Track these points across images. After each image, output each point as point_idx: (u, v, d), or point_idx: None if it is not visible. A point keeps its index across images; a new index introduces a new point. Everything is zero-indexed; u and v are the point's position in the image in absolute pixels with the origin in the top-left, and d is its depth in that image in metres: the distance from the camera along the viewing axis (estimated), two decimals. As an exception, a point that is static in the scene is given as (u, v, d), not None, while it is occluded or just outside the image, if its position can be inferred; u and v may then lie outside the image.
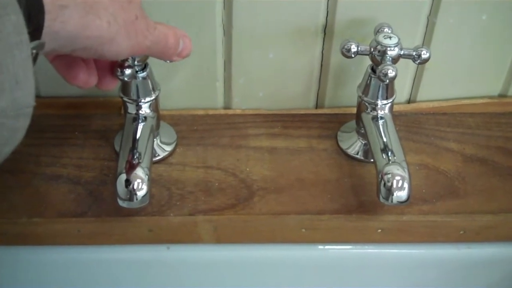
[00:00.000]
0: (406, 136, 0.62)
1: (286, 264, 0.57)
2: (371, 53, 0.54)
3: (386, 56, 0.53)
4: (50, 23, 0.35)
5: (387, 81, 0.52)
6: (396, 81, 0.58)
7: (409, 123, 0.64)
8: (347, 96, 0.64)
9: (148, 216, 0.53)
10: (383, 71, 0.52)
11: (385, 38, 0.54)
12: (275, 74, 0.62)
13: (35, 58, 0.36)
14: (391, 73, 0.52)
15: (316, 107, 0.66)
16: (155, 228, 0.53)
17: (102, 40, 0.39)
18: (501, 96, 0.67)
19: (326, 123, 0.64)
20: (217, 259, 0.56)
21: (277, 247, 0.56)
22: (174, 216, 0.53)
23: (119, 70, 0.49)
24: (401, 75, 0.62)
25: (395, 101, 0.64)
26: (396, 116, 0.64)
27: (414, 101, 0.66)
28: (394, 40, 0.53)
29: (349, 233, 0.55)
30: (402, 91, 0.65)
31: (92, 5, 0.37)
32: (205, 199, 0.54)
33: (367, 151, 0.59)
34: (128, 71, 0.50)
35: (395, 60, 0.54)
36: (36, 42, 0.34)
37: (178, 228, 0.54)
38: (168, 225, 0.53)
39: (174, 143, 0.60)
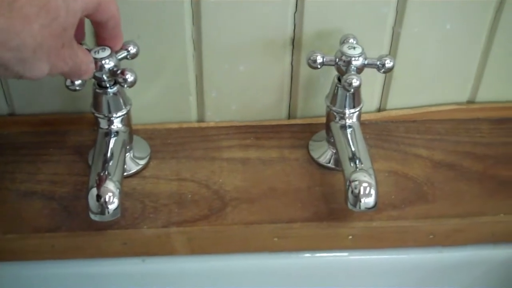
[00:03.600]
0: (376, 144, 0.64)
1: (259, 273, 0.58)
2: (336, 63, 0.55)
3: (351, 66, 0.54)
4: None
5: (352, 90, 0.54)
6: (365, 90, 0.59)
7: (379, 131, 0.66)
8: (318, 106, 0.65)
9: (121, 229, 0.53)
10: (347, 80, 0.53)
11: (349, 49, 0.55)
12: (246, 87, 0.64)
13: None
14: (355, 83, 0.53)
15: (289, 117, 0.67)
16: (129, 241, 0.54)
17: (17, 62, 0.39)
18: (469, 102, 0.68)
19: (298, 133, 0.65)
20: (192, 270, 0.57)
21: (251, 256, 0.57)
22: (147, 229, 0.54)
23: (69, 81, 0.52)
24: (369, 84, 0.64)
25: (365, 109, 0.65)
26: (366, 124, 0.66)
27: (384, 109, 0.67)
28: (358, 50, 0.55)
29: (321, 241, 0.56)
30: (371, 99, 0.66)
31: (18, 32, 0.37)
32: (178, 211, 0.55)
33: (338, 159, 0.60)
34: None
35: (359, 69, 0.55)
36: None
37: (152, 240, 0.54)
38: (142, 238, 0.54)
39: (148, 157, 0.60)
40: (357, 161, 0.53)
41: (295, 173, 0.60)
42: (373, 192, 0.51)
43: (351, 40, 0.56)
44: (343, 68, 0.55)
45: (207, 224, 0.54)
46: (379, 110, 0.68)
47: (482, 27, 0.62)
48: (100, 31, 0.50)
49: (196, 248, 0.55)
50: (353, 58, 0.54)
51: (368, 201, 0.51)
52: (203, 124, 0.66)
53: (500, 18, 0.61)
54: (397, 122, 0.67)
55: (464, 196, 0.58)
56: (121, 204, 0.49)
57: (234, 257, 0.56)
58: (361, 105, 0.58)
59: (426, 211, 0.56)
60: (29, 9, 0.37)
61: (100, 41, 0.51)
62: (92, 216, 0.49)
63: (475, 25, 0.62)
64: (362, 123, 0.65)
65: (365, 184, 0.51)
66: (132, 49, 0.53)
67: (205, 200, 0.57)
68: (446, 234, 0.56)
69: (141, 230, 0.54)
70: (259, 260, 0.57)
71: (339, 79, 0.57)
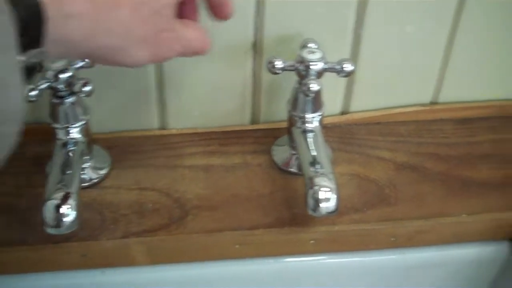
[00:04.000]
0: (339, 147, 0.64)
1: (221, 280, 0.57)
2: (296, 68, 0.55)
3: (310, 71, 0.54)
4: (53, 30, 0.34)
5: (311, 95, 0.53)
6: (327, 93, 0.59)
7: (343, 134, 0.66)
8: (282, 111, 0.65)
9: (80, 241, 0.53)
10: (306, 85, 0.53)
11: (308, 53, 0.55)
12: (208, 93, 0.63)
13: (38, 69, 0.37)
14: (314, 88, 0.53)
15: (252, 123, 0.67)
16: (89, 253, 0.53)
17: (113, 51, 0.38)
18: (433, 103, 0.68)
19: (262, 138, 0.65)
20: (153, 280, 0.56)
21: (212, 264, 0.56)
22: (107, 240, 0.53)
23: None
24: (332, 87, 0.63)
25: (328, 112, 0.65)
26: (329, 127, 0.66)
27: (347, 112, 0.67)
28: (318, 55, 0.55)
29: (283, 246, 0.56)
30: (334, 103, 0.66)
31: (105, 19, 0.37)
32: (138, 220, 0.55)
33: (300, 164, 0.60)
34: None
35: (319, 74, 0.55)
36: (35, 50, 0.34)
37: (112, 252, 0.54)
38: (101, 249, 0.53)
39: (108, 167, 0.60)
40: (318, 166, 0.53)
41: (257, 178, 0.60)
42: (333, 196, 0.51)
43: (310, 45, 0.56)
44: (303, 73, 0.55)
45: (166, 234, 0.54)
46: (342, 113, 0.68)
47: (443, 28, 0.62)
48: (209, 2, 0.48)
49: (157, 258, 0.55)
50: (312, 63, 0.54)
51: (328, 205, 0.51)
52: (165, 132, 0.65)
53: (461, 19, 0.61)
54: (360, 125, 0.67)
55: (427, 198, 0.58)
56: (79, 215, 0.49)
57: (195, 266, 0.56)
58: (322, 109, 0.58)
59: (388, 214, 0.56)
60: None
61: (213, 12, 0.48)
62: (48, 229, 0.48)
63: (436, 26, 0.62)
64: (325, 127, 0.65)
65: (325, 189, 0.51)
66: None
67: (166, 209, 0.56)
68: (408, 236, 0.56)
69: (100, 241, 0.53)
70: (221, 268, 0.56)
71: (299, 84, 0.56)
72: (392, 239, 0.56)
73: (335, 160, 0.62)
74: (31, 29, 0.33)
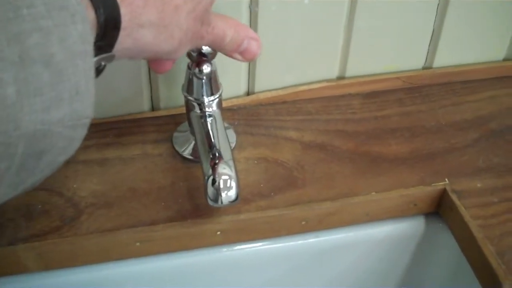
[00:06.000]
0: (245, 130, 0.61)
1: (125, 281, 0.54)
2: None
3: (202, 52, 0.51)
4: (124, 39, 0.36)
5: (204, 78, 0.50)
6: (230, 74, 0.56)
7: (249, 116, 0.62)
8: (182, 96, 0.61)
9: (-39, 252, 0.48)
10: (197, 68, 0.49)
11: (200, 33, 0.51)
12: (99, 80, 0.58)
13: (101, 70, 0.38)
14: (206, 69, 0.49)
15: (152, 109, 0.63)
16: (-26, 264, 0.49)
17: (169, 53, 0.40)
18: (340, 78, 0.66)
19: (163, 126, 0.61)
20: (49, 286, 0.52)
21: (113, 265, 0.52)
22: (-9, 248, 0.48)
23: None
24: (234, 67, 0.60)
25: (233, 94, 0.63)
26: (235, 110, 0.63)
27: (253, 93, 0.64)
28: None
29: (187, 240, 0.52)
30: (239, 83, 0.63)
31: (167, 25, 0.38)
32: (26, 224, 0.50)
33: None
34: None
35: (212, 55, 0.51)
36: (105, 55, 0.35)
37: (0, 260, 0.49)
38: (-14, 259, 0.48)
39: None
40: (217, 153, 0.50)
41: (158, 170, 0.56)
42: (233, 184, 0.48)
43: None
44: (194, 55, 0.51)
45: (58, 237, 0.49)
46: (248, 93, 0.65)
47: (342, 0, 0.60)
48: None
49: (50, 263, 0.50)
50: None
51: (229, 194, 0.48)
52: (56, 125, 0.60)
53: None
54: (267, 105, 0.64)
55: (335, 177, 0.56)
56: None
57: (94, 268, 0.52)
58: (220, 91, 0.54)
59: (297, 197, 0.54)
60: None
61: None
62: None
63: (335, -3, 0.59)
64: (230, 109, 0.62)
65: (224, 177, 0.48)
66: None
67: (57, 210, 0.51)
68: (319, 219, 0.54)
69: (-16, 250, 0.48)
70: (123, 268, 0.53)
71: (190, 68, 0.53)
72: (303, 223, 0.54)
73: (240, 144, 0.59)
74: (106, 36, 0.35)
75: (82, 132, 0.33)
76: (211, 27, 0.44)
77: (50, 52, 0.29)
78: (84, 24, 0.30)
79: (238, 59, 0.48)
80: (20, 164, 0.29)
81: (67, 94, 0.30)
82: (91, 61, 0.31)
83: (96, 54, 0.35)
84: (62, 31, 0.29)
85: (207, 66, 0.49)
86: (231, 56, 0.48)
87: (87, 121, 0.32)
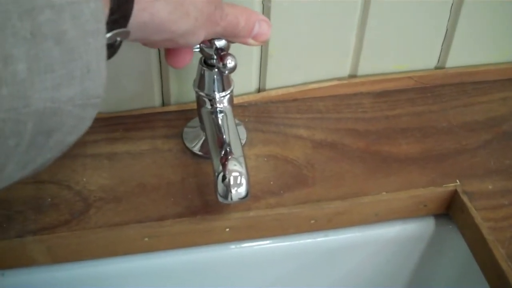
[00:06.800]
0: (255, 127, 0.60)
1: (132, 276, 0.54)
2: (199, 45, 0.51)
3: (214, 47, 0.50)
4: (139, 13, 0.36)
5: (227, 72, 0.49)
6: (242, 71, 0.56)
7: (259, 113, 0.62)
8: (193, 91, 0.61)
9: (-31, 244, 0.48)
10: (221, 62, 0.48)
11: (213, 28, 0.51)
12: (109, 76, 0.58)
13: (117, 46, 0.37)
14: (230, 64, 0.48)
15: (163, 104, 0.63)
16: (-20, 256, 0.48)
17: (186, 34, 0.40)
18: (351, 76, 0.66)
19: (173, 121, 0.61)
20: (56, 279, 0.52)
21: (120, 260, 0.52)
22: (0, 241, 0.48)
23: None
24: (245, 63, 0.60)
25: (244, 91, 0.62)
26: (245, 106, 0.63)
27: (264, 90, 0.64)
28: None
29: (196, 236, 0.52)
30: (250, 80, 0.63)
31: (182, 1, 0.38)
32: (35, 217, 0.50)
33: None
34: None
35: (225, 49, 0.51)
36: (120, 30, 0.35)
37: (7, 253, 0.49)
38: (-6, 251, 0.48)
39: None
40: (228, 149, 0.50)
41: (167, 165, 0.56)
42: (244, 181, 0.47)
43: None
44: (207, 50, 0.51)
45: (67, 230, 0.49)
46: (259, 90, 0.64)
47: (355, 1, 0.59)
48: None
49: (58, 257, 0.50)
50: (215, 39, 0.50)
51: (239, 191, 0.47)
52: (65, 118, 0.60)
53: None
54: (278, 102, 0.63)
55: (345, 177, 0.56)
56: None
57: (101, 262, 0.52)
58: (231, 87, 0.54)
59: (306, 196, 0.54)
60: None
61: None
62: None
63: (348, -3, 0.59)
64: (241, 106, 0.62)
65: (235, 174, 0.47)
66: None
67: (66, 203, 0.51)
68: (328, 218, 0.54)
69: (-8, 242, 0.48)
70: (130, 263, 0.53)
71: (205, 62, 0.52)
72: (312, 221, 0.54)
73: (251, 141, 0.59)
74: (119, 9, 0.34)
75: (92, 112, 0.32)
76: (225, 13, 0.44)
77: (62, 29, 0.28)
78: (96, 2, 0.30)
79: (252, 44, 0.48)
80: (29, 141, 0.29)
81: (78, 72, 0.29)
82: (103, 40, 0.30)
83: (111, 29, 0.34)
84: (75, 9, 0.28)
85: (231, 60, 0.48)
86: (245, 43, 0.48)
87: (98, 101, 0.32)
